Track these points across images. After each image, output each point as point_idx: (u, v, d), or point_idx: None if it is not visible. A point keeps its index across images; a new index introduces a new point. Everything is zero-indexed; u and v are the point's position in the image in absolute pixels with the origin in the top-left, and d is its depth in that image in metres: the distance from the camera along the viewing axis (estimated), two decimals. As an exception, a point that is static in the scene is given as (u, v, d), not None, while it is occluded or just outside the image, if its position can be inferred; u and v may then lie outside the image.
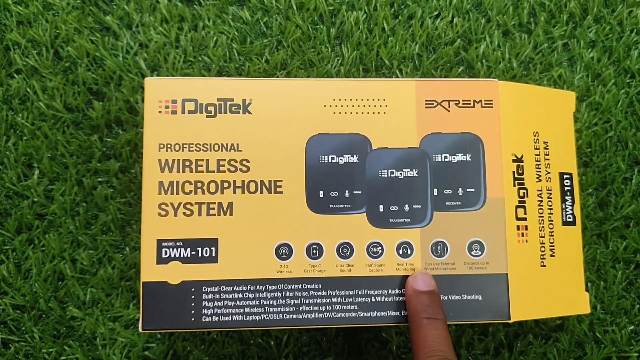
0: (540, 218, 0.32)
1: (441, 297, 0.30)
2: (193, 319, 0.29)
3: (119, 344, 0.36)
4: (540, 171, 0.32)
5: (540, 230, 0.32)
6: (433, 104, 0.31)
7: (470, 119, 0.31)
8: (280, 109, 0.31)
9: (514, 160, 0.31)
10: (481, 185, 0.31)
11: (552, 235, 0.32)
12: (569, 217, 0.32)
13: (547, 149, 0.32)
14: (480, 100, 0.32)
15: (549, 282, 0.31)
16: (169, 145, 0.30)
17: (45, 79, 0.39)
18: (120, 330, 0.36)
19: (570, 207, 0.32)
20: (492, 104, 0.32)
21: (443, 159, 0.31)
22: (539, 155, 0.32)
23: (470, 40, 0.41)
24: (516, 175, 0.31)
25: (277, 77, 0.39)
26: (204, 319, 0.29)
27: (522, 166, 0.31)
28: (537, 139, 0.32)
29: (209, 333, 0.37)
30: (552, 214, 0.32)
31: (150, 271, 0.29)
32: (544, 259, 0.31)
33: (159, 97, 0.31)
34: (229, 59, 0.39)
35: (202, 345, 0.36)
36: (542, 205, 0.32)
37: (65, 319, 0.37)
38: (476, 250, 0.31)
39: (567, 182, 0.32)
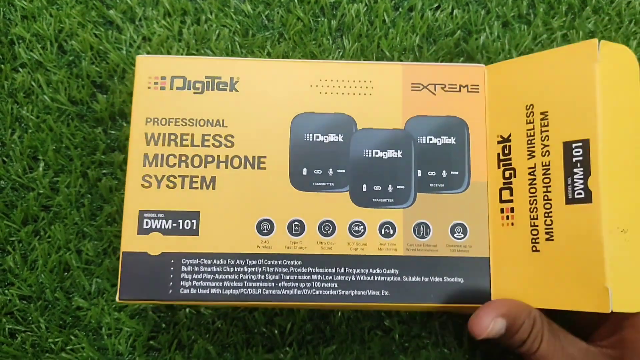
0: (532, 198, 0.29)
1: (422, 279, 0.30)
2: (170, 291, 0.29)
3: (124, 334, 0.37)
4: (533, 146, 0.29)
5: (532, 212, 0.29)
6: (419, 87, 0.32)
7: (455, 103, 0.32)
8: (267, 87, 0.31)
9: (499, 142, 0.31)
10: (465, 169, 0.31)
11: (550, 216, 0.28)
12: (579, 193, 0.28)
13: (546, 119, 0.29)
14: (467, 85, 0.32)
15: (545, 269, 0.29)
16: (155, 120, 0.31)
17: (50, 72, 0.39)
18: (126, 320, 0.37)
19: (580, 181, 0.28)
20: (478, 89, 0.32)
21: (428, 142, 0.31)
22: (532, 129, 0.30)
23: (470, 32, 0.41)
24: (501, 157, 0.31)
25: (275, 59, 0.40)
26: (182, 291, 0.29)
27: (509, 146, 0.30)
28: (532, 112, 0.30)
29: (213, 322, 0.37)
30: (549, 192, 0.29)
31: (131, 241, 0.30)
32: (537, 243, 0.29)
33: (148, 73, 0.31)
34: (232, 52, 0.40)
35: (207, 334, 0.37)
36: (534, 184, 0.29)
37: (71, 309, 0.37)
38: (459, 233, 0.30)
39: (577, 152, 0.28)
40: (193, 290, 0.29)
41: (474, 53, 0.40)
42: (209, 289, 0.29)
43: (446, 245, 0.30)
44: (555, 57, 0.29)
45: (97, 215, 0.38)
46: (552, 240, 0.28)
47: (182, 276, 0.29)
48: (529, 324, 0.29)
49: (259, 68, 0.32)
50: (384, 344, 0.37)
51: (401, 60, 0.40)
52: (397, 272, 0.30)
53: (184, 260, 0.29)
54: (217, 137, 0.31)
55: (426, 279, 0.30)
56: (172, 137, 0.31)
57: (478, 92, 0.32)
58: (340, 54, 0.40)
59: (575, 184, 0.28)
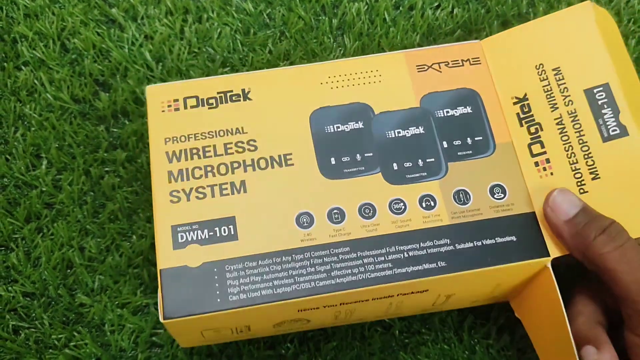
0: (567, 145, 0.31)
1: (475, 244, 0.30)
2: (219, 300, 0.28)
3: (127, 330, 0.37)
4: (554, 99, 0.31)
5: (570, 157, 0.31)
6: (424, 67, 0.33)
7: (462, 76, 0.33)
8: (279, 92, 0.32)
9: (515, 103, 0.32)
10: (487, 133, 0.32)
11: (590, 157, 0.30)
12: (614, 130, 0.30)
13: (560, 73, 0.32)
14: (468, 59, 0.33)
15: (598, 207, 0.29)
16: (175, 138, 0.31)
17: (52, 70, 0.40)
18: (128, 317, 0.37)
19: (612, 119, 0.30)
20: (479, 60, 0.33)
21: (445, 114, 0.32)
22: (548, 85, 0.32)
23: (471, 31, 0.41)
24: (522, 116, 0.32)
25: (280, 67, 0.40)
26: (231, 297, 0.28)
27: (527, 104, 0.32)
28: (543, 70, 0.32)
29: (215, 318, 0.37)
30: (583, 135, 0.31)
31: (167, 258, 0.29)
32: (584, 185, 0.30)
33: (160, 99, 0.31)
34: (233, 50, 0.40)
35: (209, 331, 0.37)
36: (565, 132, 0.31)
37: (74, 306, 0.37)
38: (498, 193, 0.31)
39: (600, 95, 0.31)
40: (243, 295, 0.28)
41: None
42: (259, 291, 0.28)
43: (489, 207, 0.30)
44: (555, 21, 0.33)
45: (100, 212, 0.38)
46: (599, 178, 0.30)
47: (228, 283, 0.28)
48: (605, 219, 0.28)
49: (267, 78, 0.32)
50: (384, 341, 0.38)
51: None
52: (448, 241, 0.30)
53: (227, 267, 0.28)
54: (239, 144, 0.31)
55: (479, 243, 0.30)
56: (194, 151, 0.30)
57: (480, 63, 0.33)
58: (342, 52, 0.41)
59: (608, 123, 0.30)
